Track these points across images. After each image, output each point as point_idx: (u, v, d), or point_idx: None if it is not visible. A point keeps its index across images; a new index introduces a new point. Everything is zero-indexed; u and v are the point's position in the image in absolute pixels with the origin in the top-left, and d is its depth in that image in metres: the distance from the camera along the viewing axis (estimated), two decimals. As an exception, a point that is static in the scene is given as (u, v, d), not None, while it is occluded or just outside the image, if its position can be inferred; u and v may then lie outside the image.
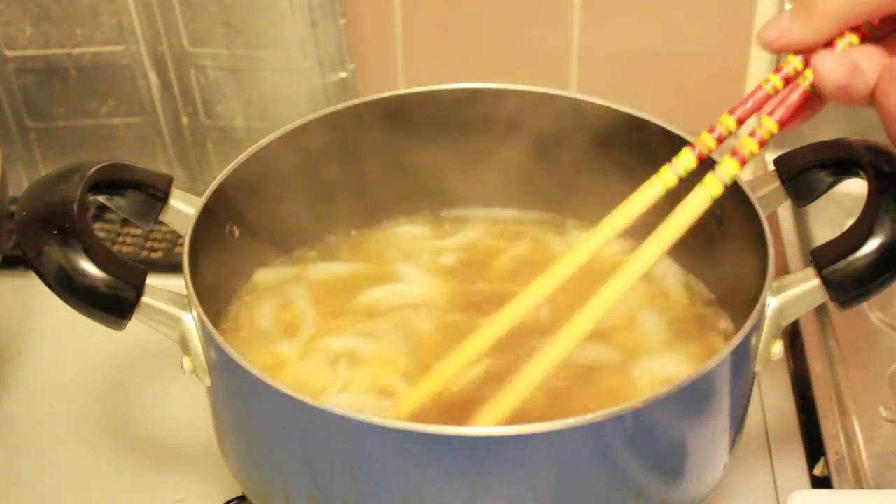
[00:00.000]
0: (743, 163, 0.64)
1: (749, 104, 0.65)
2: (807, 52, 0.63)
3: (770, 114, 0.64)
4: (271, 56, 1.00)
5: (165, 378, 0.88)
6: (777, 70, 0.64)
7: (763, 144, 0.64)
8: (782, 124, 0.64)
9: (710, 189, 0.65)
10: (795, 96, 0.63)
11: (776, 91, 0.64)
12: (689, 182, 0.66)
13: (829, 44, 0.62)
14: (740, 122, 0.65)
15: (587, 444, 0.61)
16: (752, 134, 0.64)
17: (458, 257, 0.85)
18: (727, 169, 0.65)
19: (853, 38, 0.62)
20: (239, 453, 0.70)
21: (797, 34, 0.62)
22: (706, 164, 0.66)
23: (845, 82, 0.61)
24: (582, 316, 0.66)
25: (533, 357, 0.66)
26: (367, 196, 0.87)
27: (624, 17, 1.02)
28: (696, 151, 0.66)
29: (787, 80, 0.64)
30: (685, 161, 0.66)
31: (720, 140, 0.65)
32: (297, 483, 0.66)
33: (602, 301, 0.66)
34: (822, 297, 0.68)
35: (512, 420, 0.64)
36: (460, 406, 0.70)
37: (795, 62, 0.64)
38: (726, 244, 0.76)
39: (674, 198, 0.66)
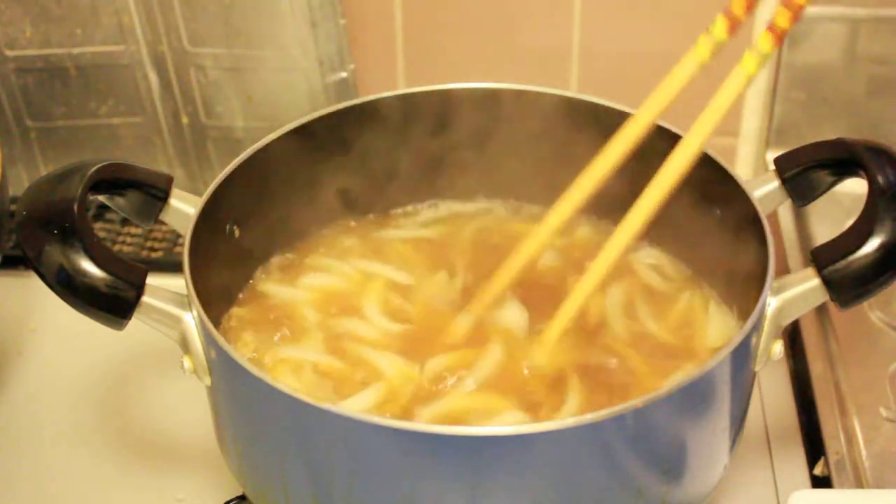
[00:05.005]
0: (779, 38, 0.63)
1: None
2: None
3: None
4: (271, 56, 1.00)
5: (165, 378, 0.88)
6: None
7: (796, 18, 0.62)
8: None
9: (746, 67, 0.65)
10: None
11: None
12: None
13: None
14: None
15: (587, 444, 0.61)
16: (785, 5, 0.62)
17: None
18: (764, 43, 0.64)
19: None
20: (239, 453, 0.70)
21: None
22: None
23: None
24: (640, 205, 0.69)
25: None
26: (367, 195, 0.87)
27: (624, 17, 1.02)
28: (728, 21, 0.64)
29: None
30: (718, 29, 0.65)
31: (749, 7, 0.63)
32: (298, 483, 0.66)
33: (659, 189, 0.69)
34: (822, 296, 0.68)
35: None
36: None
37: None
38: (726, 244, 0.76)
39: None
